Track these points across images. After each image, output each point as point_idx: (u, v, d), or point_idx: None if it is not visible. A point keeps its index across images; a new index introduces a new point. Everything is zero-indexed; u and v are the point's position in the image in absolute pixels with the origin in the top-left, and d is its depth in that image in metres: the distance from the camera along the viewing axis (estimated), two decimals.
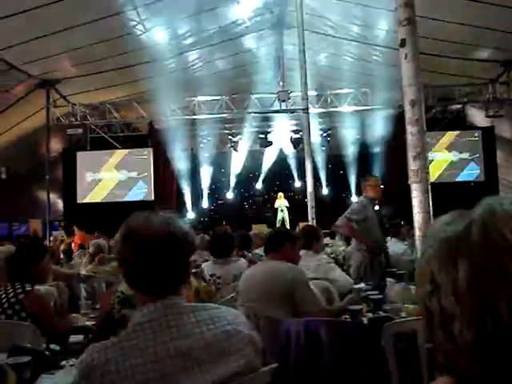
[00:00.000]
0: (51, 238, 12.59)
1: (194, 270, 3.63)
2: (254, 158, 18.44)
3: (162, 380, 1.31)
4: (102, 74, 11.57)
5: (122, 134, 15.36)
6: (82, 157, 14.87)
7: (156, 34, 10.52)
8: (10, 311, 2.95)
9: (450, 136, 14.84)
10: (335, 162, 17.68)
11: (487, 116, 13.59)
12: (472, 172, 14.72)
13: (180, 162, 16.33)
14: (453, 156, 14.81)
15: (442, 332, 0.65)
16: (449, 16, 9.44)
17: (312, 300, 3.25)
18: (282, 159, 18.25)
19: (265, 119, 15.46)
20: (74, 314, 3.74)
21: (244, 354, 1.44)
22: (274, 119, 15.53)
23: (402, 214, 7.24)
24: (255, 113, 14.07)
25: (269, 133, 15.74)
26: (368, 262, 5.40)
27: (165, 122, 14.75)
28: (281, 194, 17.68)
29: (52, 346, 2.55)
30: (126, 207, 13.40)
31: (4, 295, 3.01)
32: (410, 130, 3.56)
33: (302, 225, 9.40)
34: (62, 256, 8.09)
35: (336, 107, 13.83)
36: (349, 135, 16.41)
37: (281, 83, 13.05)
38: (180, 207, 16.22)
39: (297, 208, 16.64)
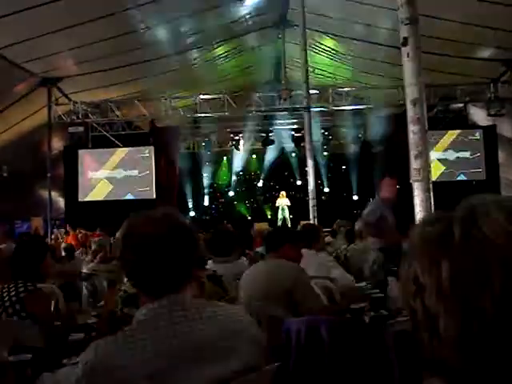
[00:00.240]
0: (52, 236, 12.61)
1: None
2: (256, 157, 18.45)
3: (165, 375, 1.31)
4: (104, 72, 11.57)
5: (123, 133, 15.33)
6: (83, 155, 14.87)
7: (158, 32, 10.51)
8: (10, 310, 2.95)
9: (451, 135, 14.81)
10: (336, 160, 17.68)
11: (489, 115, 13.56)
12: (473, 171, 14.69)
13: (181, 161, 16.35)
14: (454, 155, 14.79)
15: (427, 330, 0.65)
16: (451, 15, 9.42)
17: (313, 299, 3.24)
18: (283, 158, 18.25)
19: (266, 118, 15.46)
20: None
21: (247, 352, 1.43)
22: (275, 118, 15.53)
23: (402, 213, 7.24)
24: (257, 111, 14.05)
25: (270, 131, 15.75)
26: (381, 262, 5.42)
27: (166, 121, 14.76)
28: (283, 193, 17.67)
29: (52, 345, 2.55)
30: (127, 205, 13.41)
31: (6, 293, 3.00)
32: (412, 128, 3.56)
33: (303, 223, 9.39)
34: (63, 254, 8.09)
35: (337, 106, 13.81)
36: (350, 134, 16.39)
37: (282, 82, 13.05)
38: (181, 205, 16.22)
39: (298, 207, 16.64)
